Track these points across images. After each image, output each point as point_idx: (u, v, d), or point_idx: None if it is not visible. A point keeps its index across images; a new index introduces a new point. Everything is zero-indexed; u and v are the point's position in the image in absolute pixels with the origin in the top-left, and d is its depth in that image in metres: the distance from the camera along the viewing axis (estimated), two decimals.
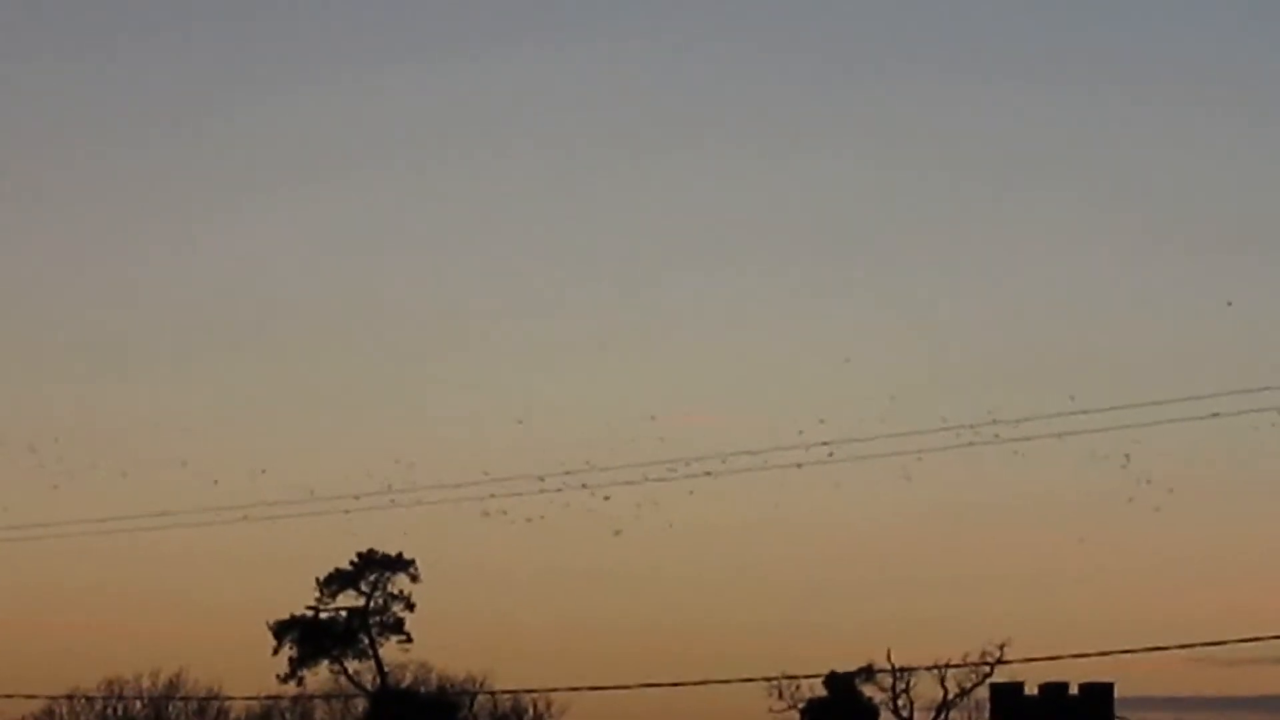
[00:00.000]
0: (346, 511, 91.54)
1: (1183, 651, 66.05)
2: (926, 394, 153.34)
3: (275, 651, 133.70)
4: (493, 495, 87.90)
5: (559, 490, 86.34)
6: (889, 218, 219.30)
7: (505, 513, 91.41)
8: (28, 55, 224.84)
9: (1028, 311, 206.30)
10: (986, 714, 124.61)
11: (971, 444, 78.20)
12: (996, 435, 77.57)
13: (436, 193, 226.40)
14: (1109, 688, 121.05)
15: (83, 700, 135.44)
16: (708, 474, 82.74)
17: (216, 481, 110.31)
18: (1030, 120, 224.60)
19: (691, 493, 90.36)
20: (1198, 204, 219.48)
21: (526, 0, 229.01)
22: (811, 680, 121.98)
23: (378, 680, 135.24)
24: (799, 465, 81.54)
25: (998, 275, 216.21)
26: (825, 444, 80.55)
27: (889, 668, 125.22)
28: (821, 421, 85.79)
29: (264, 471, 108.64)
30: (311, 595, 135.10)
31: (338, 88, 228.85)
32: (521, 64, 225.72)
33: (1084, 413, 75.47)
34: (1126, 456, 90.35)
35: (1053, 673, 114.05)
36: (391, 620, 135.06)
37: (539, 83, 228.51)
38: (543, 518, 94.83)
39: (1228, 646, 63.58)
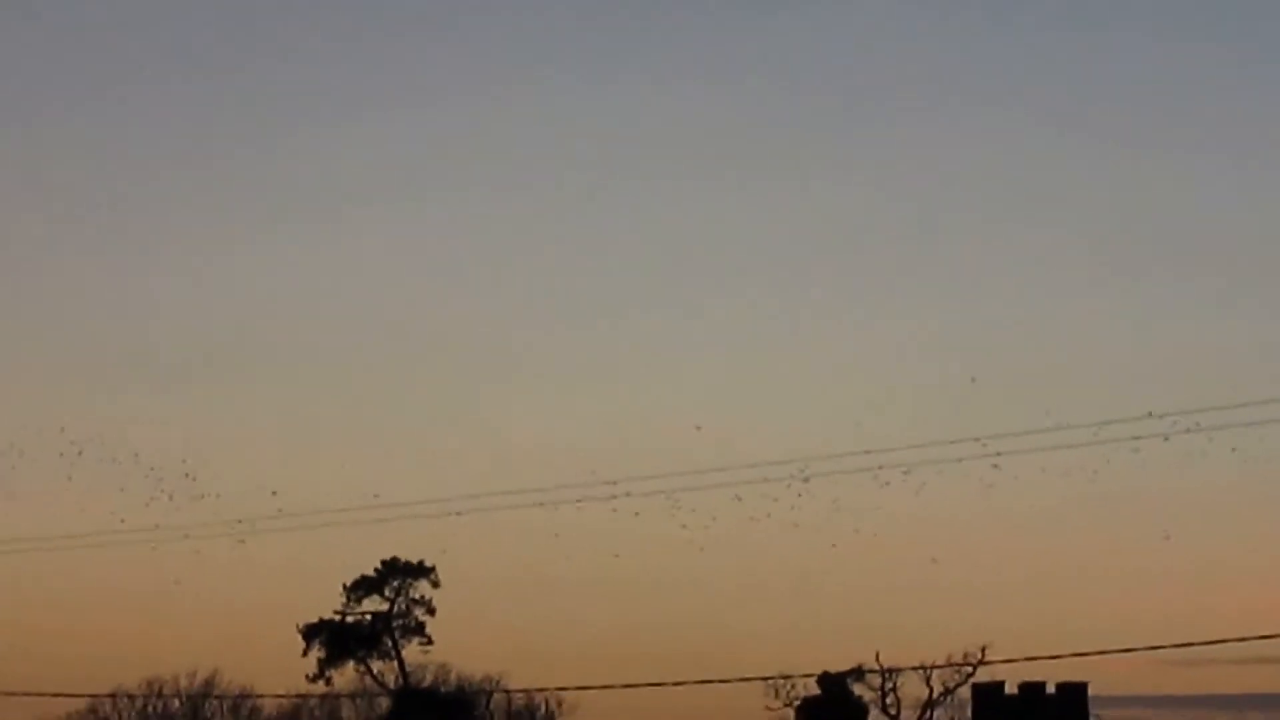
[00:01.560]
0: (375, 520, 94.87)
1: (1153, 653, 65.73)
2: (928, 408, 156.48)
3: (305, 653, 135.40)
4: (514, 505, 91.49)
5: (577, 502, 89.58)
6: (913, 242, 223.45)
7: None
8: (69, 90, 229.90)
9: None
10: (969, 712, 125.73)
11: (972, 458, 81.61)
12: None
13: (469, 218, 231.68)
14: (1084, 687, 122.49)
15: (125, 698, 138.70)
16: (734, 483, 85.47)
17: (272, 494, 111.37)
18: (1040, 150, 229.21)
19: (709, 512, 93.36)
20: None
21: (553, 36, 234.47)
22: (806, 680, 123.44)
23: (400, 680, 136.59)
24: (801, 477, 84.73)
25: (996, 296, 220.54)
26: (830, 456, 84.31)
27: (878, 668, 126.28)
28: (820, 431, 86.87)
29: (275, 493, 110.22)
30: (339, 600, 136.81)
31: (372, 120, 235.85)
32: (551, 95, 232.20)
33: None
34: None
35: (1031, 673, 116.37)
36: (413, 623, 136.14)
37: (567, 112, 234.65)
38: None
39: (1195, 648, 64.60)
